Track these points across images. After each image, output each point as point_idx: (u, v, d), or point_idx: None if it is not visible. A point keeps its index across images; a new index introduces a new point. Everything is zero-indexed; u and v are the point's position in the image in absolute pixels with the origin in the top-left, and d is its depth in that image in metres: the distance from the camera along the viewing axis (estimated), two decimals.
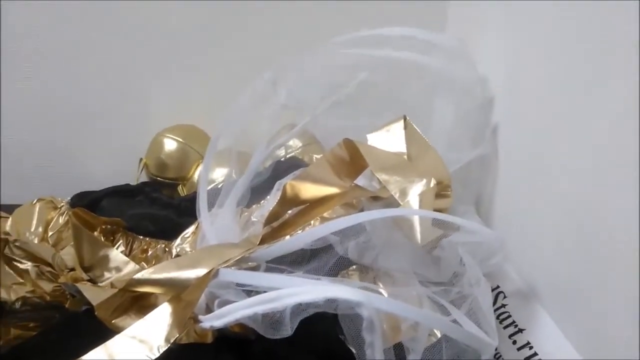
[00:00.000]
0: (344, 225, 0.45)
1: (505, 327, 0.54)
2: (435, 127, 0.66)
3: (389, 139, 0.55)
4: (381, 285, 0.48)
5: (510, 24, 0.62)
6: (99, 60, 0.79)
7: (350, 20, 0.79)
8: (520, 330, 0.52)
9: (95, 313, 0.45)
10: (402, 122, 0.56)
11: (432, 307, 0.49)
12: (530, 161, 0.57)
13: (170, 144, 0.76)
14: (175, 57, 0.81)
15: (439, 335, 0.46)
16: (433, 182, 0.49)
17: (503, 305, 0.55)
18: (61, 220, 0.64)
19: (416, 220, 0.47)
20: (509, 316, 0.54)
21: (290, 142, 0.71)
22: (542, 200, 0.54)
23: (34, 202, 0.65)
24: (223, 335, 0.48)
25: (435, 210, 0.52)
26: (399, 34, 0.66)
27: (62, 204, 0.66)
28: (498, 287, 0.57)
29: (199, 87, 0.83)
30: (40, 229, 0.63)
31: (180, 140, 0.76)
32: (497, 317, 0.54)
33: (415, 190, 0.48)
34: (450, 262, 0.52)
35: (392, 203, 0.49)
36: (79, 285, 0.49)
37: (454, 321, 0.48)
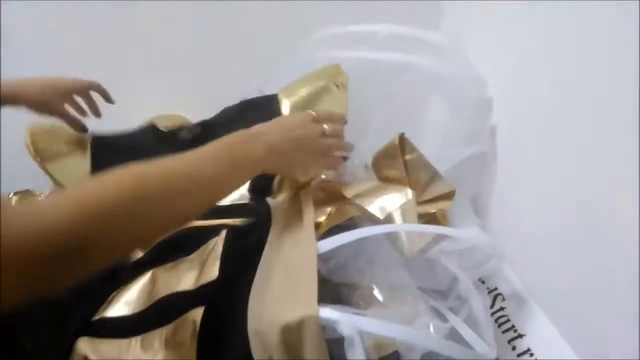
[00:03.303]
0: (326, 247, 0.44)
1: (504, 332, 0.52)
2: (428, 124, 0.64)
3: None
4: (362, 304, 0.46)
5: (510, 24, 0.60)
6: (88, 58, 0.78)
7: (342, 16, 0.77)
8: (520, 336, 0.51)
9: None
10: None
11: (430, 314, 0.48)
12: (529, 162, 0.55)
13: None
14: (164, 55, 0.80)
15: None
16: (411, 194, 0.48)
17: (502, 308, 0.54)
18: None
19: (402, 232, 0.46)
20: (508, 320, 0.53)
21: None
22: (541, 201, 0.53)
23: (11, 195, 0.63)
24: None
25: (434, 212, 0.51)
26: (389, 31, 0.63)
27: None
28: (496, 288, 0.55)
29: (187, 84, 0.83)
30: None
31: None
32: (496, 321, 0.53)
33: (395, 204, 0.47)
34: (446, 267, 0.50)
35: (376, 221, 0.48)
36: None
37: (452, 329, 0.46)
